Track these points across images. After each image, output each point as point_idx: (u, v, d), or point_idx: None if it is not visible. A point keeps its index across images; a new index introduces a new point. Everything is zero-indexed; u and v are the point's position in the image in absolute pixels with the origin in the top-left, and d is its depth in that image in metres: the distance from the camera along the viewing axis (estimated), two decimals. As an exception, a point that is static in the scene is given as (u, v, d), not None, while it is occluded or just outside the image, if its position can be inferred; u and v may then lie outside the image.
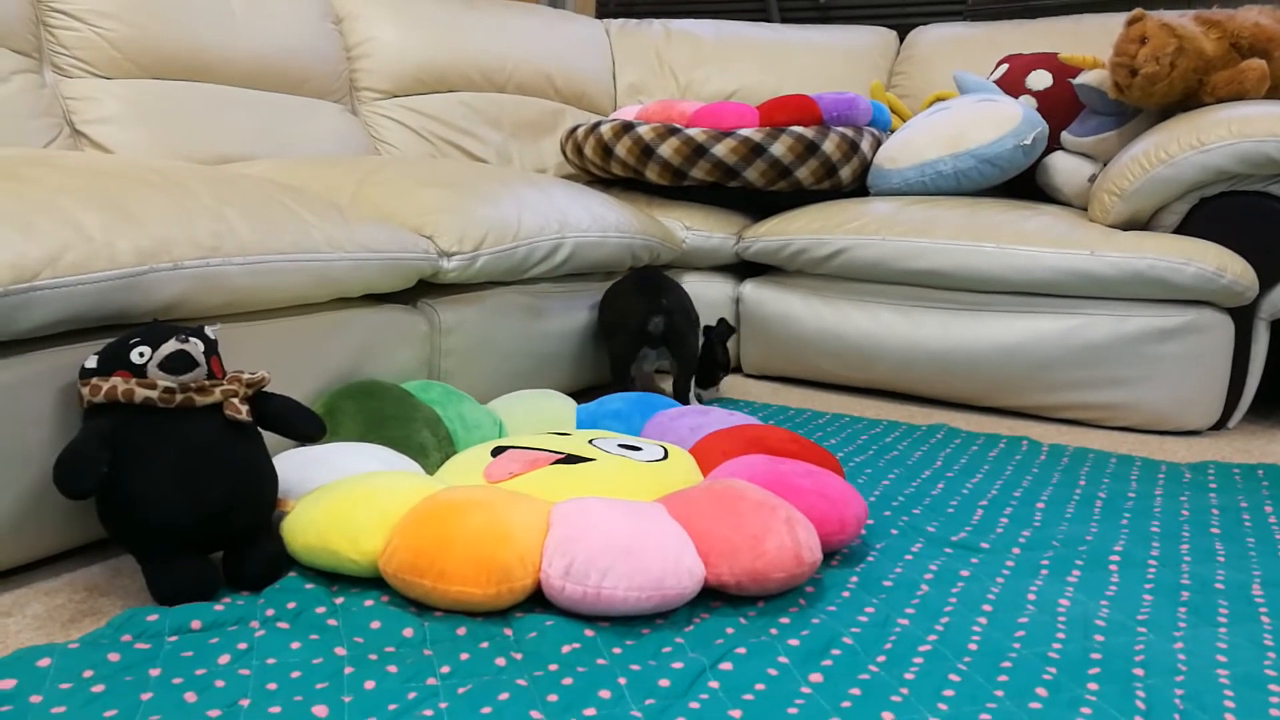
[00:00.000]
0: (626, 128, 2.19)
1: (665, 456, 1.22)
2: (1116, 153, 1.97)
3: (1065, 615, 1.00)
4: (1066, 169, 2.08)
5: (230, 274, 1.17)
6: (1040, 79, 2.19)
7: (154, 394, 0.95)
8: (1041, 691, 0.84)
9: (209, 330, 1.02)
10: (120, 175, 1.17)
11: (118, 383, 0.95)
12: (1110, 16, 2.48)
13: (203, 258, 1.14)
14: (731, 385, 2.13)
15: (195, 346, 0.98)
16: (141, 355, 0.96)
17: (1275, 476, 1.51)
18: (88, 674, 0.82)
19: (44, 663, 0.83)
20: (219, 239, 1.17)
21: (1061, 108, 2.13)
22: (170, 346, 0.96)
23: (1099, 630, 0.96)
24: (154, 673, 0.83)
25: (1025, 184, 2.18)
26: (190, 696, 0.80)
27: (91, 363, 0.98)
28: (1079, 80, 2.04)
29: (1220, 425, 1.82)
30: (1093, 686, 0.86)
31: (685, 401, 1.76)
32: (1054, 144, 2.14)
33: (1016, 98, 2.18)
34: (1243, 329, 1.76)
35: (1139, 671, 0.88)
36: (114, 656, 0.85)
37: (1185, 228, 1.78)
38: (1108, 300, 1.78)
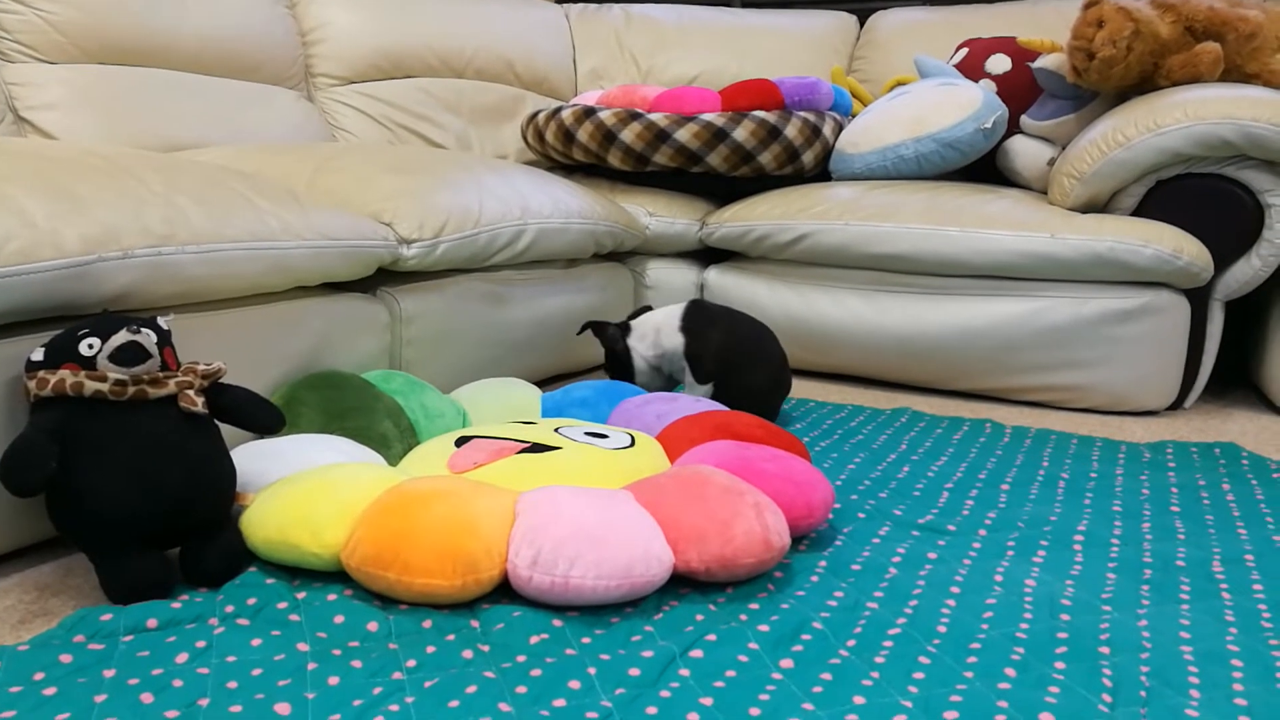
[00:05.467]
0: (588, 113, 2.17)
1: (632, 444, 1.22)
2: (1075, 136, 1.98)
3: (1032, 595, 1.00)
4: (1026, 152, 2.09)
5: (183, 263, 1.14)
6: (999, 63, 2.20)
7: (104, 386, 0.92)
8: (1010, 671, 0.85)
9: (162, 321, 0.99)
10: (66, 161, 1.13)
11: (66, 375, 0.92)
12: (1067, 0, 2.49)
13: (154, 246, 1.10)
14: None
15: (147, 338, 0.95)
16: (91, 347, 0.93)
17: (1231, 455, 1.54)
18: (39, 676, 0.80)
19: (-7, 666, 0.81)
20: (171, 227, 1.13)
21: (1021, 91, 2.15)
22: (121, 338, 0.93)
23: (1065, 609, 0.97)
24: (109, 674, 0.80)
25: (986, 168, 2.19)
26: (147, 697, 0.77)
27: (38, 355, 0.94)
28: (1037, 64, 2.05)
29: (1177, 405, 1.85)
30: (1060, 665, 0.86)
31: None
32: (1014, 128, 2.15)
33: (976, 82, 2.19)
34: (1198, 310, 1.78)
35: (1105, 649, 0.89)
36: (66, 658, 0.82)
37: (1142, 210, 1.81)
38: (1068, 283, 1.79)
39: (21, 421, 0.97)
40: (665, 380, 1.73)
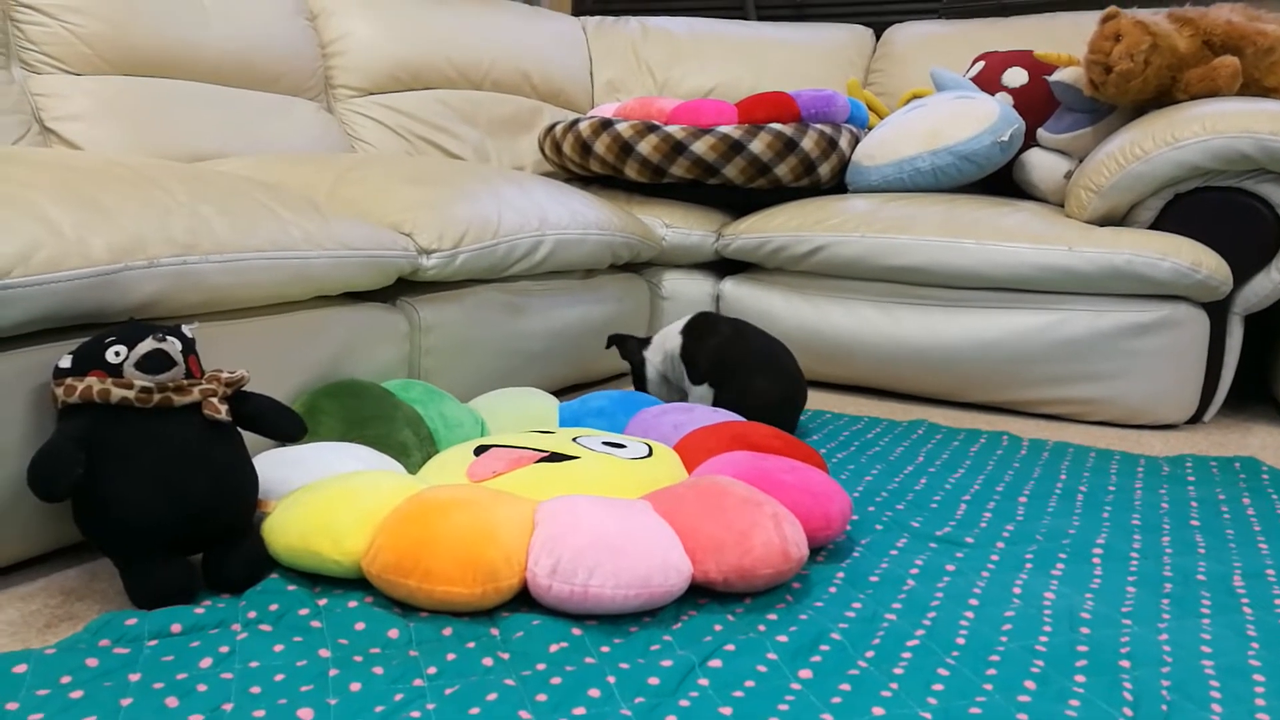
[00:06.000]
0: (605, 125, 2.19)
1: (650, 454, 1.22)
2: (1092, 149, 1.98)
3: (1051, 608, 1.00)
4: (1043, 165, 2.09)
5: (207, 272, 1.15)
6: (1016, 76, 2.21)
7: (130, 394, 0.93)
8: (1030, 684, 0.85)
9: (186, 329, 1.00)
10: (92, 172, 1.15)
11: (93, 383, 0.93)
12: (1083, 14, 2.50)
13: (179, 255, 1.12)
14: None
15: (173, 345, 0.96)
16: (117, 354, 0.94)
17: (1251, 469, 1.53)
18: (65, 680, 0.80)
19: (20, 669, 0.81)
20: (195, 236, 1.15)
21: (1037, 105, 2.15)
22: (147, 345, 0.94)
23: (1084, 623, 0.97)
24: (134, 678, 0.81)
25: (1002, 181, 2.19)
26: (172, 701, 0.78)
27: (66, 362, 0.96)
28: (1054, 77, 2.05)
29: (1196, 419, 1.84)
30: (1080, 679, 0.86)
31: None
32: (1030, 141, 2.15)
33: (993, 95, 2.19)
34: (1217, 324, 1.78)
35: (1125, 663, 0.89)
36: (92, 662, 0.83)
37: (1160, 223, 1.80)
38: (1085, 296, 1.79)
39: (49, 428, 0.99)
40: (676, 390, 1.74)
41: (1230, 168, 1.70)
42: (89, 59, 1.88)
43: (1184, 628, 0.97)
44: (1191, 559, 1.15)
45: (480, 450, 1.19)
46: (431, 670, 0.85)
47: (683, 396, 1.73)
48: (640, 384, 1.78)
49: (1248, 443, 1.73)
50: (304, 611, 0.94)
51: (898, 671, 0.87)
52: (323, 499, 1.02)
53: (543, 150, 2.41)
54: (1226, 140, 1.67)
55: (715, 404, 1.63)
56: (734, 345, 1.64)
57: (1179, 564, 1.13)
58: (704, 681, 0.84)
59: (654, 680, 0.84)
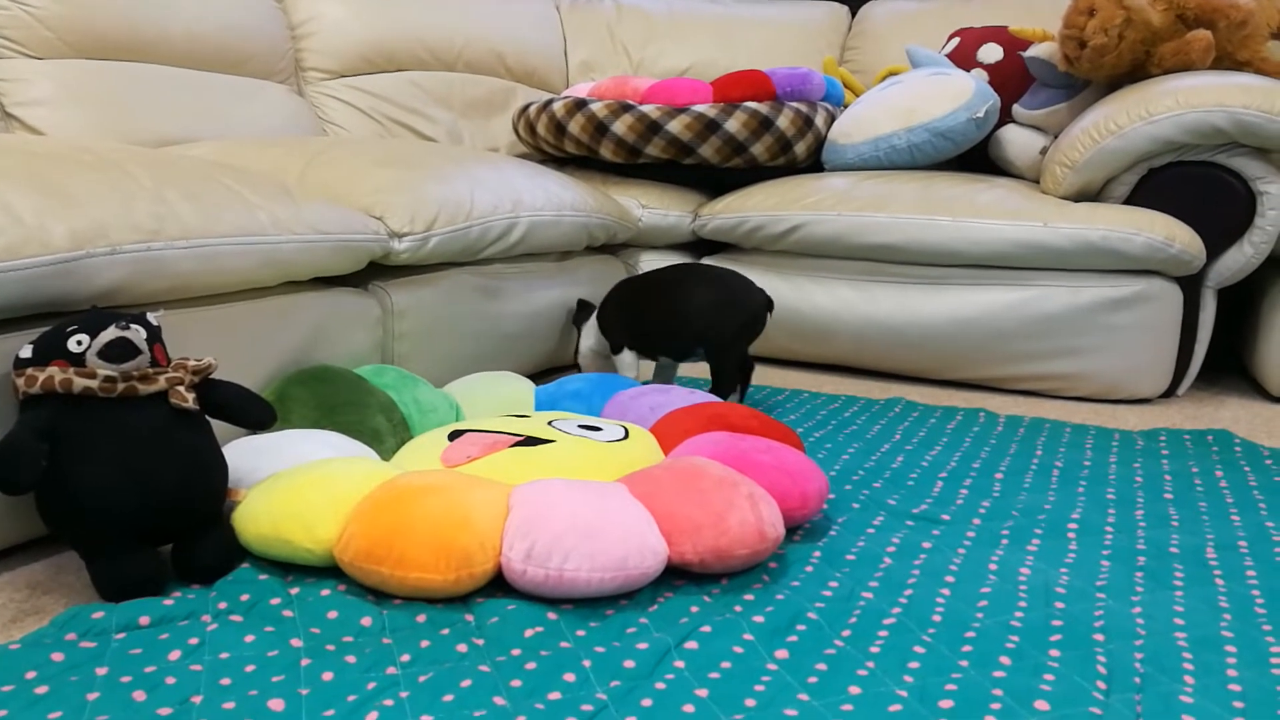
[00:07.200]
0: (579, 105, 2.17)
1: (626, 436, 1.21)
2: (1067, 125, 1.98)
3: (1026, 584, 1.00)
4: (1018, 142, 2.09)
5: (172, 258, 1.13)
6: (991, 52, 2.20)
7: (93, 383, 0.92)
8: (1005, 660, 0.85)
9: (151, 316, 0.99)
10: (54, 157, 1.12)
11: (54, 372, 0.91)
12: (1058, -10, 2.49)
13: (143, 241, 1.10)
14: (691, 364, 2.11)
15: (137, 334, 0.94)
16: (79, 343, 0.92)
17: (1224, 442, 1.54)
18: (30, 675, 0.79)
19: (-16, 665, 0.80)
20: (160, 222, 1.12)
21: (1012, 81, 2.15)
22: (110, 334, 0.93)
23: (1059, 597, 0.97)
24: (101, 672, 0.80)
25: (978, 157, 2.19)
26: (140, 695, 0.77)
27: (26, 352, 0.94)
28: (1029, 53, 2.05)
29: (1170, 393, 1.85)
30: (1055, 653, 0.86)
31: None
32: (1005, 117, 2.15)
33: (968, 71, 2.18)
34: (1191, 298, 1.79)
35: (1099, 637, 0.89)
36: (58, 656, 0.82)
37: (1134, 198, 1.81)
38: (1061, 271, 1.79)
39: (10, 419, 0.97)
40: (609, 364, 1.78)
41: (1204, 141, 1.70)
42: (50, 42, 1.84)
43: (1157, 600, 0.97)
44: (1165, 532, 1.16)
45: (455, 435, 1.18)
46: (405, 658, 0.84)
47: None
48: (575, 354, 1.85)
49: (1220, 416, 1.75)
50: (275, 601, 0.93)
51: (874, 650, 0.87)
52: (294, 487, 1.00)
53: (517, 131, 2.38)
54: (1200, 114, 1.67)
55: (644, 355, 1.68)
56: (634, 295, 1.67)
57: (1153, 537, 1.14)
58: (680, 664, 0.84)
59: (630, 663, 0.83)
